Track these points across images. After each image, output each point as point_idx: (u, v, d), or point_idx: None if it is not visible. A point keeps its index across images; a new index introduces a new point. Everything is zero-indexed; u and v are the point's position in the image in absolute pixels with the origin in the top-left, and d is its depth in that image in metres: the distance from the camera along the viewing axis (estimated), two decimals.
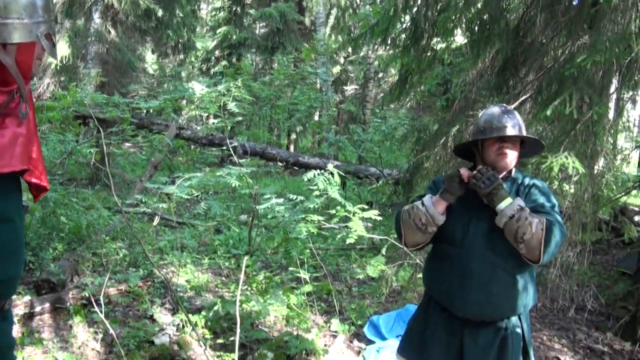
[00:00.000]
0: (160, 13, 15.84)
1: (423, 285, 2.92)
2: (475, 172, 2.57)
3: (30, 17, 1.77)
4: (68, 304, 5.11)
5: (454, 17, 5.22)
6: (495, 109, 2.69)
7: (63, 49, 14.12)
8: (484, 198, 2.53)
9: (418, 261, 5.74)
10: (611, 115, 5.99)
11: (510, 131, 2.56)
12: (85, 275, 6.01)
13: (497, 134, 2.57)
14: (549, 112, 4.05)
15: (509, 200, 2.45)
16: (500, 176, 2.59)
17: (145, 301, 5.41)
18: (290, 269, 5.64)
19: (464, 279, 2.53)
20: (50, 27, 1.80)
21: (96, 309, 4.59)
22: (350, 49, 22.67)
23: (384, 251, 6.25)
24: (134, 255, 6.63)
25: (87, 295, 5.11)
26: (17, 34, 1.78)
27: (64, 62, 14.47)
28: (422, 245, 2.71)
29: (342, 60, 24.41)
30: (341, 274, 6.94)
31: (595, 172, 5.13)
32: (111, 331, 4.37)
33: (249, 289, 5.51)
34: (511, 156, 2.60)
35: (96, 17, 15.20)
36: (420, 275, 2.98)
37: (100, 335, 4.68)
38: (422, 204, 2.62)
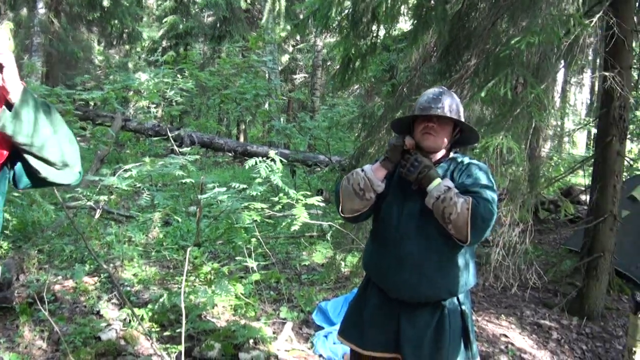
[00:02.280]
0: (105, 2, 15.54)
1: (362, 267, 2.93)
2: (401, 159, 2.59)
3: None
4: (14, 303, 5.01)
5: (391, 2, 5.23)
6: (432, 90, 2.67)
7: (5, 41, 13.75)
8: (413, 183, 2.55)
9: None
10: (558, 98, 6.10)
11: (436, 111, 2.55)
12: (31, 273, 5.90)
13: (423, 113, 2.56)
14: (483, 94, 4.11)
15: (437, 181, 2.46)
16: (438, 158, 2.63)
17: (92, 297, 5.35)
18: (238, 258, 5.62)
19: (399, 261, 2.53)
20: None
21: (41, 307, 4.52)
22: (298, 37, 22.64)
23: (329, 236, 6.28)
24: (80, 250, 6.53)
25: (32, 293, 5.03)
26: None
27: None
28: (358, 213, 2.70)
29: (290, 49, 24.35)
30: (291, 262, 6.96)
31: (540, 153, 5.23)
32: (56, 329, 4.31)
33: (196, 280, 5.49)
34: (437, 137, 2.58)
35: (40, 7, 14.88)
36: None
37: (46, 334, 4.60)
38: (362, 169, 2.63)
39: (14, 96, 1.82)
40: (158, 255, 6.68)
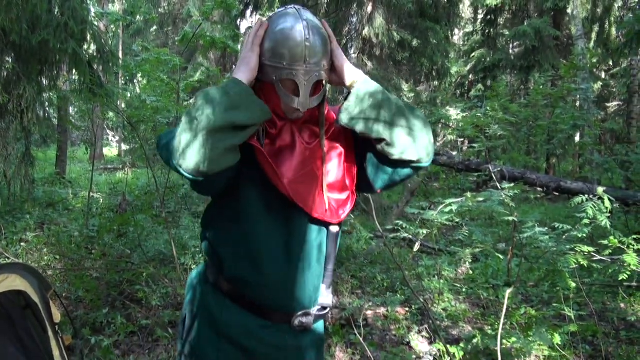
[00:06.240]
0: (414, 43, 16.16)
1: None
2: None
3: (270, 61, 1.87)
4: (327, 323, 5.31)
5: None
6: None
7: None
8: None
9: None
10: None
11: None
12: (344, 297, 6.23)
13: None
14: None
15: None
16: None
17: (402, 327, 5.43)
18: (554, 304, 5.24)
19: None
20: (290, 74, 1.84)
21: (355, 330, 4.71)
22: (611, 62, 21.12)
23: None
24: (392, 280, 6.73)
25: (346, 316, 5.29)
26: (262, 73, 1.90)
27: None
28: None
29: (602, 75, 22.82)
30: (607, 314, 6.27)
31: None
32: (369, 354, 4.44)
33: (509, 323, 5.26)
34: None
35: (352, 52, 16.11)
36: None
37: (357, 357, 4.79)
38: None
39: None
40: (469, 292, 6.57)
